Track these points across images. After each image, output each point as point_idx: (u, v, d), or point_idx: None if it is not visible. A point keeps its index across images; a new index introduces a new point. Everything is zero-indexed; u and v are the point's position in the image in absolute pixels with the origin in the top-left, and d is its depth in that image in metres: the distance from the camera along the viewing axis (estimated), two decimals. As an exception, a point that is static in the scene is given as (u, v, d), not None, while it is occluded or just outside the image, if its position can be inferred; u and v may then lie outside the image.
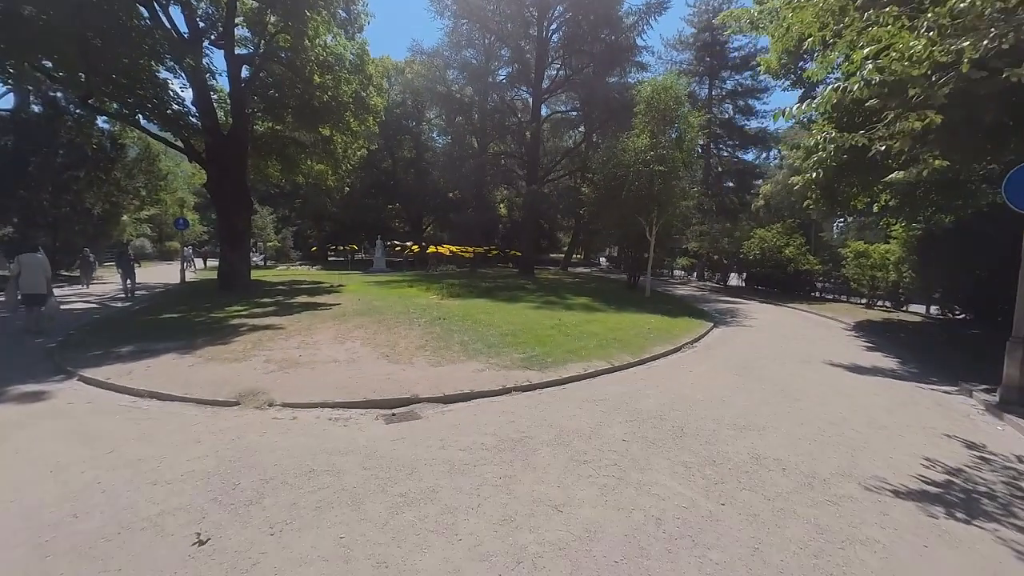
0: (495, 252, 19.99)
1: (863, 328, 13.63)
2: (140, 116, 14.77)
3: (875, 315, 15.99)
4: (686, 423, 5.32)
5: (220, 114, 19.38)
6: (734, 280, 26.07)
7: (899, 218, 14.99)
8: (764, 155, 32.12)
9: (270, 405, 5.56)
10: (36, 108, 23.46)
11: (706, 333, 11.40)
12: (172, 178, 40.36)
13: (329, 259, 41.77)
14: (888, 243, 16.76)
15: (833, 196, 14.02)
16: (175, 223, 21.03)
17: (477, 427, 5.05)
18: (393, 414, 5.45)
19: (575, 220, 34.23)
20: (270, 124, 21.93)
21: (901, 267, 15.56)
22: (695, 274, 31.28)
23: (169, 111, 14.59)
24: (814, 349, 10.34)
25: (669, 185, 15.98)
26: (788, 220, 21.00)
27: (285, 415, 5.32)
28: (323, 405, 5.59)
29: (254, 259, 40.43)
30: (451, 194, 40.60)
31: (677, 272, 33.26)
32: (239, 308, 12.33)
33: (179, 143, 17.22)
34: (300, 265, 35.64)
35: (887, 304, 17.93)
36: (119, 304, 14.60)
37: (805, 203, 14.97)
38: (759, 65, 18.40)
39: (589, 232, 29.21)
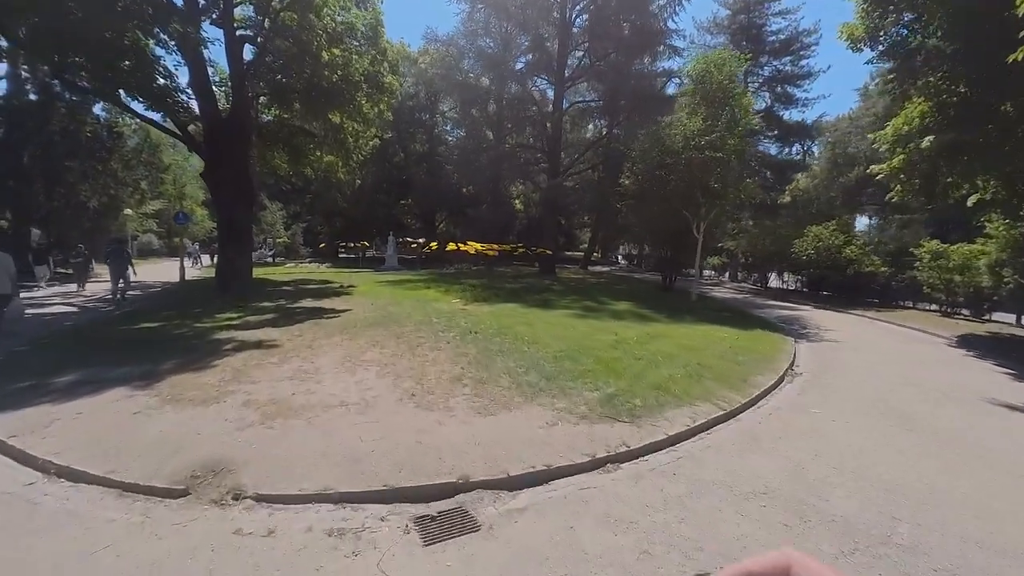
0: (521, 250, 17.78)
1: (973, 344, 11.32)
2: (122, 92, 12.66)
3: (970, 327, 13.62)
4: (924, 544, 3.12)
5: (222, 100, 17.35)
6: (774, 281, 23.73)
7: (999, 214, 12.64)
8: (800, 147, 29.41)
9: (236, 498, 3.41)
10: (32, 96, 21.56)
11: (796, 353, 9.15)
12: (180, 172, 38.87)
13: (339, 256, 39.74)
14: (975, 242, 14.40)
15: (932, 185, 11.71)
16: (175, 218, 19.06)
17: (578, 556, 2.88)
18: (433, 517, 3.29)
19: (596, 216, 31.96)
20: (277, 111, 19.91)
21: (1000, 270, 13.18)
22: (727, 274, 28.92)
23: (155, 86, 12.46)
24: (944, 377, 8.07)
25: (723, 174, 13.69)
26: (840, 218, 18.59)
27: (258, 521, 3.17)
28: (320, 498, 3.43)
29: (263, 256, 38.61)
30: (465, 189, 38.44)
31: (706, 272, 30.89)
32: (232, 315, 10.24)
33: (173, 128, 15.14)
34: (309, 262, 33.65)
35: (965, 312, 15.55)
36: (104, 308, 12.58)
37: (890, 194, 12.66)
38: (808, 46, 16.13)
39: (619, 228, 26.84)
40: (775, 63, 28.56)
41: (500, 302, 13.29)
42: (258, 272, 23.36)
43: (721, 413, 5.39)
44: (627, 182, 15.99)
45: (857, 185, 26.04)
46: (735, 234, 23.54)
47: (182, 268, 19.22)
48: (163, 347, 7.37)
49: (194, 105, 15.18)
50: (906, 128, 11.58)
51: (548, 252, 18.38)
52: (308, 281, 19.06)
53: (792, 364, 8.10)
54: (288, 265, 29.87)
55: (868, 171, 13.52)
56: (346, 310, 11.01)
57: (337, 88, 15.85)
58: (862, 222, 39.57)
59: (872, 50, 12.27)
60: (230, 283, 14.90)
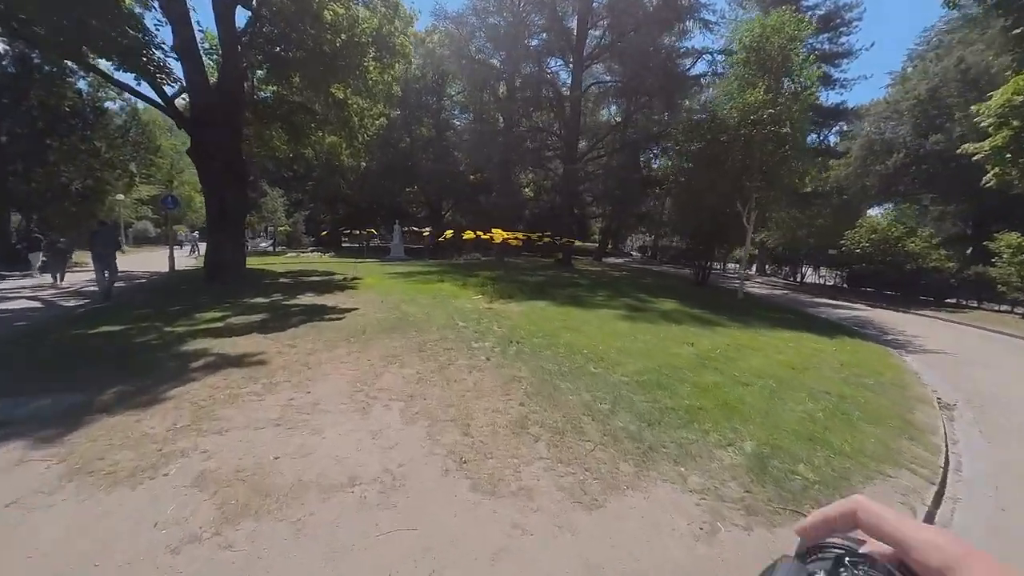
0: (547, 239, 15.83)
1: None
2: (86, 49, 10.58)
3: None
4: None
5: (213, 72, 15.25)
6: (809, 276, 21.73)
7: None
8: (839, 132, 26.85)
9: None
10: (10, 70, 19.40)
11: (918, 372, 7.22)
12: (178, 156, 36.74)
13: (343, 245, 37.75)
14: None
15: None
16: (163, 201, 17.07)
17: None
18: None
19: (612, 205, 29.88)
20: (275, 87, 17.83)
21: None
22: (754, 267, 26.93)
23: (125, 40, 10.36)
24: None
25: (785, 153, 11.69)
26: (906, 205, 16.52)
27: None
28: None
29: (262, 244, 36.57)
30: (472, 176, 36.31)
31: (730, 265, 28.91)
32: (216, 315, 8.29)
33: (154, 97, 13.06)
34: (311, 251, 31.66)
35: (1044, 312, 13.62)
36: (76, 303, 10.62)
37: (987, 178, 10.66)
38: (850, 22, 13.97)
39: (639, 216, 24.72)
40: (811, 41, 26.20)
41: (527, 298, 11.35)
42: (255, 262, 21.40)
43: (932, 488, 3.47)
44: (668, 163, 13.91)
45: (896, 173, 23.96)
46: (773, 224, 21.48)
47: (171, 257, 17.23)
48: (114, 363, 5.43)
49: (178, 70, 13.13)
50: (1019, 99, 9.57)
51: (573, 242, 16.55)
52: (309, 272, 17.09)
53: (932, 391, 6.16)
54: (289, 255, 27.90)
55: (962, 151, 11.50)
56: (352, 309, 9.06)
57: (341, 53, 13.74)
58: (872, 212, 37.55)
59: (980, 4, 10.21)
60: (220, 275, 12.97)
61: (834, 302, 15.65)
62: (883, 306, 15.07)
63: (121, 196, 26.61)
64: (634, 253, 38.21)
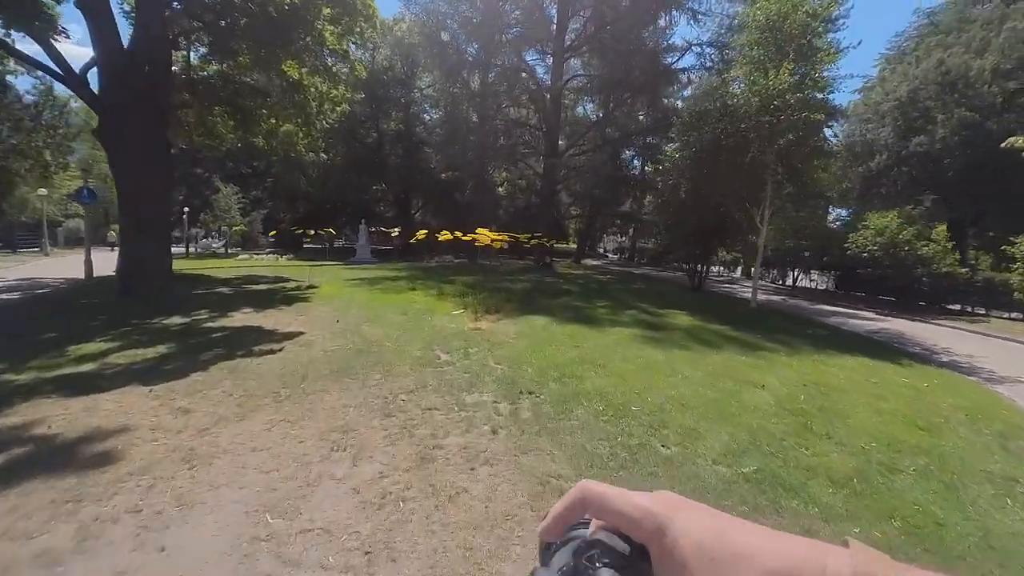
0: (537, 241, 13.78)
1: None
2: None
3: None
4: None
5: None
6: (800, 280, 20.47)
7: None
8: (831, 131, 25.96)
9: None
10: None
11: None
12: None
13: (304, 246, 34.65)
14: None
15: None
16: (76, 194, 14.05)
17: None
18: None
19: (591, 205, 28.10)
20: (217, 67, 15.14)
21: None
22: (739, 271, 25.66)
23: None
24: None
25: (819, 143, 10.01)
26: (901, 209, 15.25)
27: None
28: None
29: (213, 245, 33.08)
30: (444, 174, 33.92)
31: (713, 268, 27.51)
32: (95, 349, 5.77)
33: (48, 63, 10.21)
34: (268, 253, 28.56)
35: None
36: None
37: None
38: (837, 19, 12.66)
39: (622, 216, 22.98)
40: (800, 40, 25.02)
41: (519, 312, 9.24)
42: (197, 266, 18.42)
43: None
44: (674, 153, 12.00)
45: (877, 175, 23.10)
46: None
47: (88, 262, 14.21)
48: None
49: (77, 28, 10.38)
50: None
51: (553, 244, 14.61)
52: (256, 279, 14.43)
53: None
54: (240, 257, 24.79)
55: (1007, 144, 10.08)
56: (296, 334, 6.70)
57: (291, 18, 11.23)
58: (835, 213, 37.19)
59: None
60: (137, 286, 10.26)
61: (838, 309, 14.19)
62: (891, 313, 13.70)
63: (43, 191, 22.93)
64: (610, 255, 36.62)
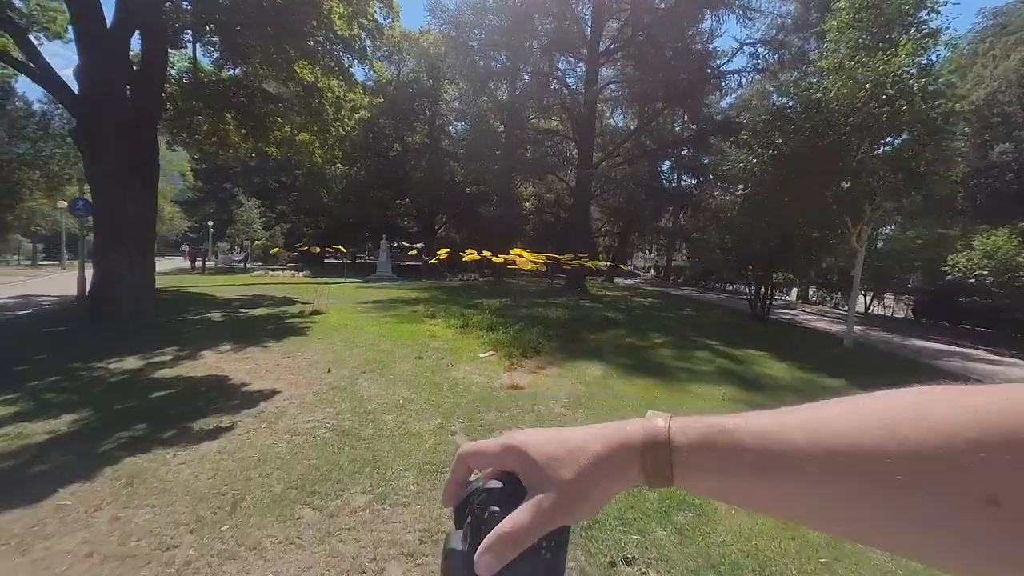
0: (577, 262, 11.75)
1: None
2: None
3: None
4: None
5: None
6: (864, 305, 17.72)
7: None
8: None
9: None
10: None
11: None
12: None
13: (325, 261, 33.41)
14: None
15: None
16: (71, 206, 12.80)
17: None
18: None
19: (627, 220, 25.95)
20: (228, 74, 14.00)
21: None
22: (793, 293, 23.00)
23: None
24: None
25: (957, 136, 7.75)
26: (1015, 224, 12.61)
27: None
28: None
29: (233, 259, 32.08)
30: (469, 189, 32.33)
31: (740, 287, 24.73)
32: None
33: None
34: (284, 269, 27.21)
35: None
36: None
37: None
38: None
39: (667, 232, 20.71)
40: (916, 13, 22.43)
41: (562, 354, 7.19)
42: (205, 283, 17.00)
43: None
44: (750, 157, 9.83)
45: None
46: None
47: (81, 279, 12.81)
48: None
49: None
50: None
51: (585, 262, 12.51)
52: (261, 299, 12.77)
53: None
54: (255, 273, 23.42)
55: None
56: (268, 394, 4.78)
57: (296, 5, 9.61)
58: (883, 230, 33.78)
59: None
60: (111, 310, 8.63)
61: (946, 347, 11.60)
62: (1015, 353, 11.07)
63: (63, 203, 22.11)
64: (642, 273, 34.16)
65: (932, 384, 0.33)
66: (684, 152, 25.57)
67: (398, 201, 35.37)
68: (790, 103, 9.39)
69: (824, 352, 8.95)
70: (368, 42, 12.50)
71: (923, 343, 11.99)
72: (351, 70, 13.64)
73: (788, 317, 15.64)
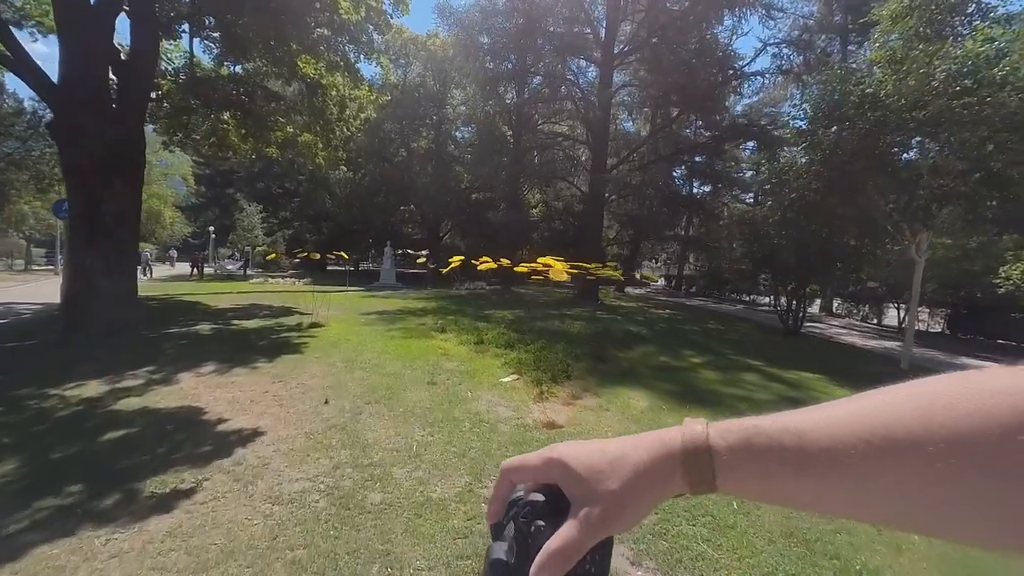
0: (606, 271, 10.81)
1: None
2: None
3: None
4: None
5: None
6: (889, 317, 16.61)
7: None
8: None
9: None
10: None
11: None
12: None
13: (327, 268, 32.53)
14: None
15: None
16: (54, 208, 11.94)
17: None
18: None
19: (640, 228, 25.05)
20: (228, 66, 13.29)
21: None
22: (817, 305, 21.94)
23: None
24: None
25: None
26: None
27: None
28: None
29: (229, 267, 31.22)
30: (475, 195, 31.48)
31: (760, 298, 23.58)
32: None
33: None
34: (285, 277, 26.31)
35: None
36: None
37: None
38: None
39: (685, 241, 19.76)
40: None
41: (595, 378, 6.23)
42: (201, 291, 16.06)
43: None
44: (803, 158, 8.84)
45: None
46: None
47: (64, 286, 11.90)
48: None
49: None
50: None
51: (599, 272, 11.64)
52: (258, 309, 11.84)
53: None
54: (254, 281, 22.51)
55: None
56: (246, 437, 3.80)
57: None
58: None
59: None
60: (87, 320, 7.73)
61: (982, 363, 10.55)
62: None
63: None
64: (654, 283, 33.08)
65: None
66: (697, 159, 24.67)
67: (402, 207, 34.55)
68: (837, 97, 8.44)
69: (882, 373, 7.96)
70: (376, 36, 11.67)
71: (973, 360, 10.97)
72: (357, 67, 12.81)
73: (817, 331, 14.63)
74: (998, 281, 11.42)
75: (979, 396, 0.29)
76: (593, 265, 10.34)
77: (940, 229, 8.44)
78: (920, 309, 16.96)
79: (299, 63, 12.10)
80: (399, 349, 7.38)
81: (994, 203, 7.43)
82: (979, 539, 0.29)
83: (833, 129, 8.03)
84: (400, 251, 40.76)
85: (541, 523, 0.39)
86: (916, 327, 17.20)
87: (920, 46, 7.46)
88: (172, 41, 12.43)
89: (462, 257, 8.57)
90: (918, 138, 7.66)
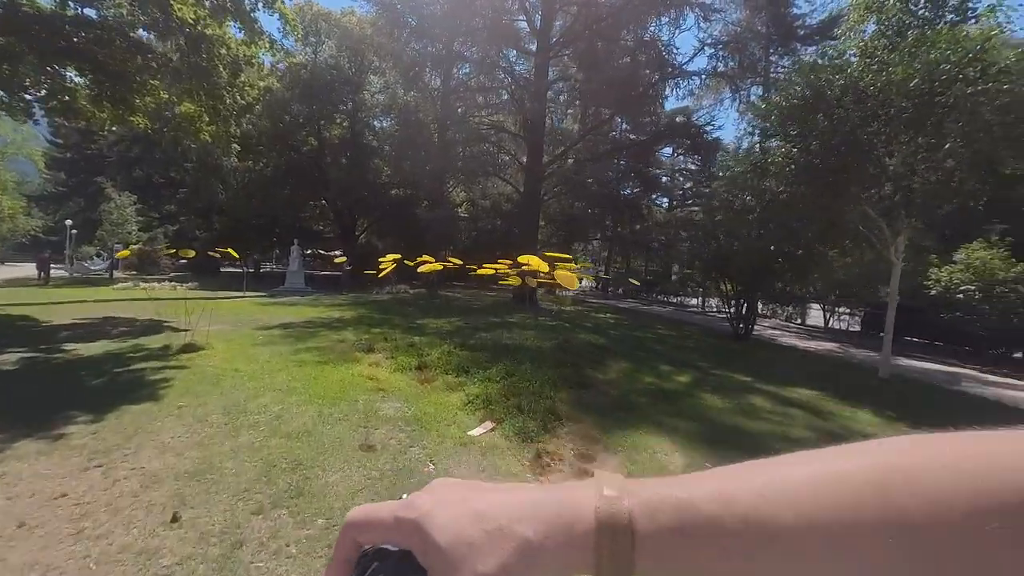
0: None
1: None
2: None
3: None
4: None
5: None
6: (812, 318, 17.20)
7: None
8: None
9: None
10: None
11: None
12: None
13: (221, 270, 28.13)
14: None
15: None
16: None
17: None
18: None
19: (568, 229, 24.20)
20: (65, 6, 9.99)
21: None
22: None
23: None
24: None
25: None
26: (989, 238, 12.07)
27: None
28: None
29: (93, 267, 25.76)
30: (394, 191, 28.95)
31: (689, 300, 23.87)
32: None
33: None
34: (169, 279, 21.96)
35: None
36: None
37: None
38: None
39: (633, 241, 19.09)
40: (801, 52, 22.67)
41: (594, 420, 4.68)
42: (40, 298, 12.09)
43: None
44: (788, 147, 7.99)
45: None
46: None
47: None
48: None
49: None
50: None
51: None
52: (112, 324, 8.81)
53: None
54: (121, 285, 18.25)
55: None
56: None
57: None
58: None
59: None
60: None
61: (955, 369, 10.67)
62: (994, 370, 10.46)
63: None
64: (585, 284, 32.59)
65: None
66: (623, 162, 24.42)
67: (312, 202, 30.91)
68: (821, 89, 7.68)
69: (860, 385, 7.27)
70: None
71: (915, 363, 11.09)
72: (254, 15, 10.17)
73: (755, 333, 14.46)
74: (928, 283, 11.69)
75: (941, 475, 0.26)
76: (572, 264, 8.92)
77: (915, 231, 8.00)
78: (840, 309, 17.83)
79: (173, 4, 9.30)
80: (312, 385, 5.26)
81: (985, 200, 7.03)
82: None
83: (820, 116, 7.22)
84: (310, 251, 36.65)
85: None
86: (834, 326, 18.07)
87: (910, 33, 6.84)
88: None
89: (398, 256, 6.71)
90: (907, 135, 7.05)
